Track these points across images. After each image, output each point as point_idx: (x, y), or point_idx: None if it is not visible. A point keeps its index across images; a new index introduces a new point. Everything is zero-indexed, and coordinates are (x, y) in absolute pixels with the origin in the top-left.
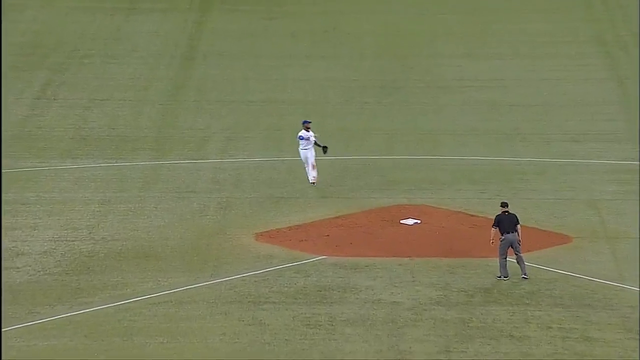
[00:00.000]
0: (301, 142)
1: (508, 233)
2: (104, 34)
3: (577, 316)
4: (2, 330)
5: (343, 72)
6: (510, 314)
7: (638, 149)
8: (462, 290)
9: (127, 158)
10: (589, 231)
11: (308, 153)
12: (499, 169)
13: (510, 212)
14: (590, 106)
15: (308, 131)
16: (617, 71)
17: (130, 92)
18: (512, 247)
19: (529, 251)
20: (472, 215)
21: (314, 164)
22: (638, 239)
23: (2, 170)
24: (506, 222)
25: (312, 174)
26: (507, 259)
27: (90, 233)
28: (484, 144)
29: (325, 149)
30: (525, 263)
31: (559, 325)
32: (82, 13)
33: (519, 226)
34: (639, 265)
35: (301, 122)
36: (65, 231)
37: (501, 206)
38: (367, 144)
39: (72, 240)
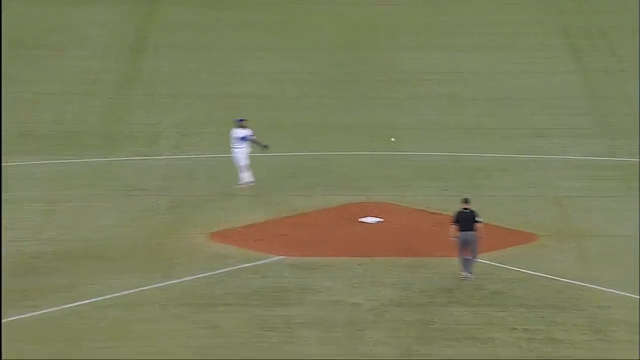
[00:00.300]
0: (233, 140)
1: (464, 231)
2: (50, 24)
3: (542, 317)
4: None
5: (299, 65)
6: (473, 314)
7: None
8: (423, 291)
9: (74, 154)
10: (555, 229)
11: (239, 153)
12: (461, 165)
13: (469, 209)
14: (555, 100)
15: (244, 129)
16: (583, 64)
17: (78, 86)
18: (469, 246)
19: (492, 250)
20: (434, 213)
21: (246, 165)
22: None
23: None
24: (464, 220)
25: (242, 176)
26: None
27: (36, 233)
28: (445, 139)
29: (265, 147)
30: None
31: (523, 327)
32: (27, 2)
33: (478, 224)
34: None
35: (235, 120)
36: (10, 231)
37: (462, 202)
38: (325, 139)
39: (17, 241)
